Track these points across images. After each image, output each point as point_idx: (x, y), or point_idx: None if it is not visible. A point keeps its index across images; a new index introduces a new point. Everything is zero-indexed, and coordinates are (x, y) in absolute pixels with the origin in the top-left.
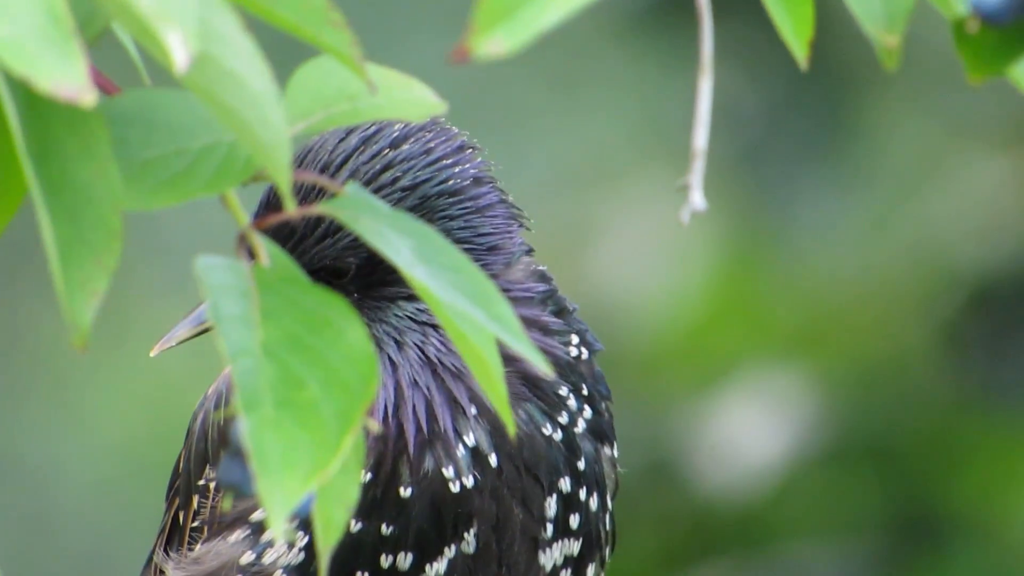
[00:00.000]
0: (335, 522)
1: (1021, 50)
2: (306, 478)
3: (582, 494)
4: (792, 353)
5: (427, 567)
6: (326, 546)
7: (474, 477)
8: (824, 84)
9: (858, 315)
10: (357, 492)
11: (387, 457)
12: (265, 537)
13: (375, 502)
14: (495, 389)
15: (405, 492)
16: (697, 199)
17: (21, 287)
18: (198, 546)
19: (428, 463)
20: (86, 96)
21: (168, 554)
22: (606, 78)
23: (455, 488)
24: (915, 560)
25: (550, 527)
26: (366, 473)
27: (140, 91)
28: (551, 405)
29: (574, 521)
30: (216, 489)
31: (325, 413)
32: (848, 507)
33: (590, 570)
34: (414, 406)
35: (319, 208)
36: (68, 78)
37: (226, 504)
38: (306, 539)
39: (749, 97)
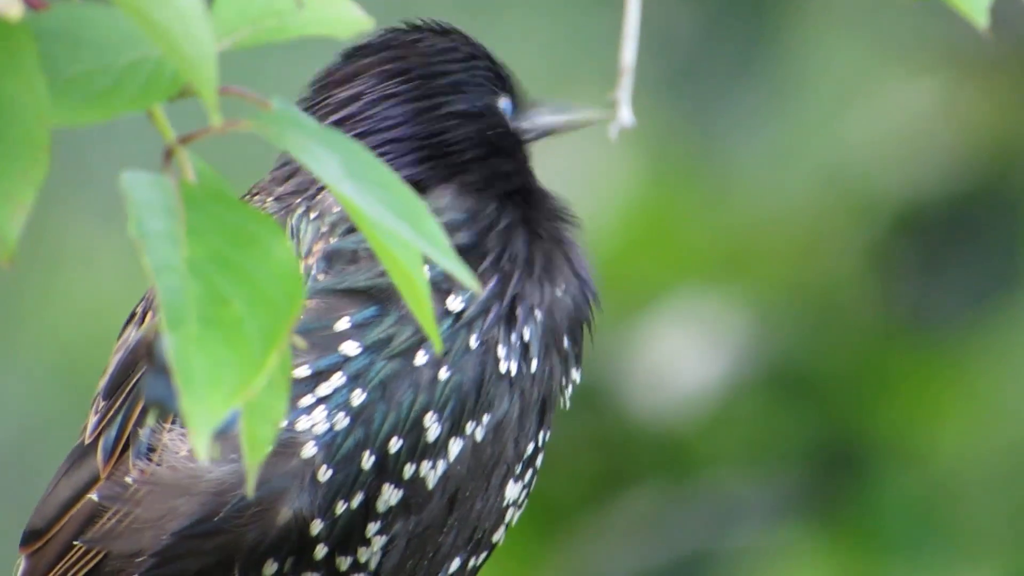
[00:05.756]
0: (261, 439)
1: None
2: (230, 396)
3: (539, 458)
4: (718, 278)
5: (450, 441)
6: (253, 462)
7: (518, 366)
8: (754, 4)
9: (785, 239)
10: (284, 409)
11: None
12: (303, 402)
13: (452, 335)
14: (420, 307)
15: (474, 343)
16: (625, 115)
17: None
18: None
19: (495, 332)
20: (12, 9)
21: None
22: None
23: (503, 368)
24: (841, 487)
25: (519, 467)
26: (461, 301)
27: (67, 6)
28: (577, 358)
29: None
30: None
31: (250, 330)
32: (774, 435)
33: (518, 514)
34: (510, 281)
35: (244, 123)
36: None
37: (150, 419)
38: (344, 417)
39: (679, 17)
